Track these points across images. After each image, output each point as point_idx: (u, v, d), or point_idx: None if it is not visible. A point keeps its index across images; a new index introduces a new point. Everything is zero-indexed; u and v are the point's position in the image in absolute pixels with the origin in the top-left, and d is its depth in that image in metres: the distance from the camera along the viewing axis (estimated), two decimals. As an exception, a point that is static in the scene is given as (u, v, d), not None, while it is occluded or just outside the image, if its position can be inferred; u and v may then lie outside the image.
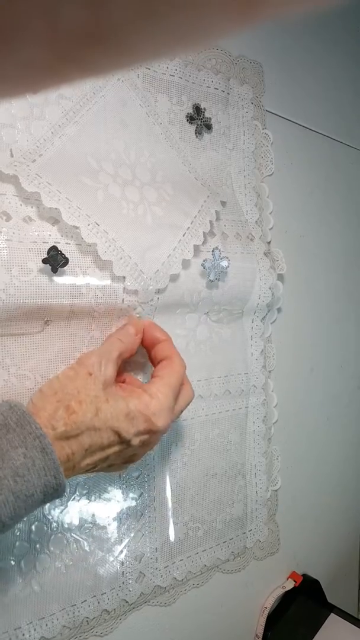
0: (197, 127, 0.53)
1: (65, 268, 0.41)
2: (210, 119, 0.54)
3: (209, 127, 0.54)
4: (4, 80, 0.11)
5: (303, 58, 0.66)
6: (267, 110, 0.60)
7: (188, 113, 0.52)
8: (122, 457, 0.38)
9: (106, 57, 0.11)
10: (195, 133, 0.53)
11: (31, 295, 0.40)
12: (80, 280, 0.42)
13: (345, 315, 0.76)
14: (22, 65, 0.11)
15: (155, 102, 0.50)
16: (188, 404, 0.44)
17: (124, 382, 0.43)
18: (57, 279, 0.41)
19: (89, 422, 0.34)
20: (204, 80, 0.53)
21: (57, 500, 0.43)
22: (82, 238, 0.41)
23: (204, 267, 0.49)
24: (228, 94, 0.56)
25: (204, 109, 0.53)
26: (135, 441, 0.37)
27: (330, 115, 0.71)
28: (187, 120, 0.52)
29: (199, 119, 0.53)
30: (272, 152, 0.60)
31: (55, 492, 0.32)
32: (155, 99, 0.50)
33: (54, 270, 0.40)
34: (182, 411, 0.43)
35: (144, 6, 0.09)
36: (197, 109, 0.53)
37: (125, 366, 0.46)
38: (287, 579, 0.66)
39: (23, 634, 0.41)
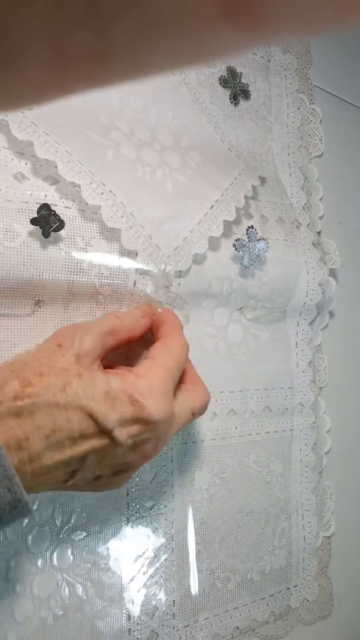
0: (232, 93, 0.45)
1: (61, 234, 0.34)
2: (247, 85, 0.46)
3: (246, 93, 0.46)
4: (10, 95, 0.11)
5: (355, 34, 0.59)
6: (315, 85, 0.53)
7: (221, 76, 0.45)
8: (109, 462, 0.28)
9: (110, 74, 0.11)
10: (230, 99, 0.45)
11: (19, 266, 0.32)
12: (80, 253, 0.35)
13: None
14: (28, 81, 0.11)
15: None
16: (204, 407, 0.34)
17: None
18: (52, 248, 0.33)
19: (50, 397, 0.25)
20: (241, 42, 0.47)
21: (47, 529, 0.34)
22: (84, 199, 0.34)
23: (236, 249, 0.41)
24: (269, 61, 0.49)
25: (240, 73, 0.46)
26: (122, 435, 0.27)
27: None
28: (220, 83, 0.45)
29: (233, 83, 0.45)
30: (321, 130, 0.52)
31: (14, 511, 0.23)
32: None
33: (46, 235, 0.33)
34: (195, 416, 0.33)
35: (148, 27, 0.09)
36: (232, 72, 0.46)
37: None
38: None
39: None
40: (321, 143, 0.52)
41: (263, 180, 0.45)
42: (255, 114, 0.47)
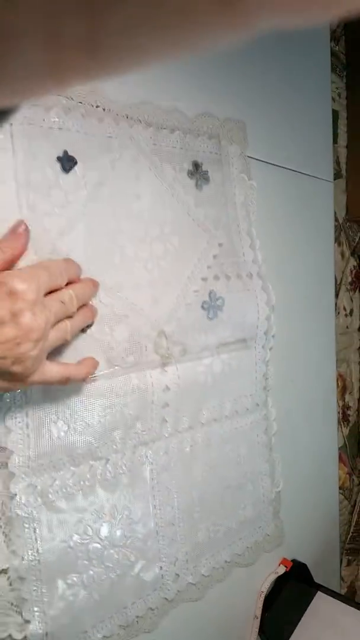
0: (197, 181, 0.61)
1: (92, 328, 0.49)
2: (207, 172, 0.62)
3: (207, 180, 0.62)
4: (4, 87, 0.11)
5: (275, 107, 0.75)
6: (249, 157, 0.69)
7: (189, 170, 0.60)
8: None
9: (103, 65, 0.11)
10: (196, 186, 0.61)
11: (74, 356, 0.47)
12: (108, 336, 0.50)
13: (317, 330, 0.85)
14: (22, 71, 0.11)
15: (161, 166, 0.57)
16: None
17: None
18: (90, 338, 0.49)
19: None
20: (201, 145, 0.61)
21: (105, 523, 0.51)
22: (101, 301, 0.50)
23: (204, 309, 0.58)
24: (221, 155, 0.64)
25: (201, 163, 0.61)
26: None
27: (298, 152, 0.80)
28: (188, 176, 0.60)
29: (197, 174, 0.60)
30: (256, 201, 0.68)
31: None
32: (162, 167, 0.57)
33: (84, 330, 0.48)
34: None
35: (139, 17, 0.09)
36: (196, 165, 0.60)
37: None
38: (279, 565, 0.75)
39: (89, 636, 0.49)
40: (256, 210, 0.69)
41: (222, 247, 0.62)
42: (213, 198, 0.63)
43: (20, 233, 0.42)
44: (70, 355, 0.48)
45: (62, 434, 0.47)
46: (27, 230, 0.43)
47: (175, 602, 0.58)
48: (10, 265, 0.41)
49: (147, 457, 0.55)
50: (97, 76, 0.12)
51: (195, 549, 0.60)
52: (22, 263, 0.43)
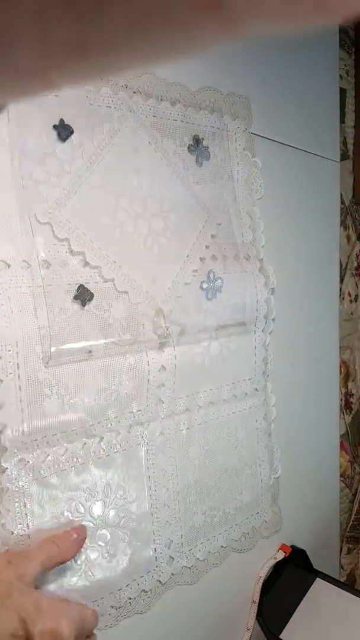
0: (197, 157, 0.59)
1: (91, 303, 0.48)
2: (208, 147, 0.60)
3: (207, 156, 0.60)
4: None
5: (281, 83, 0.73)
6: (253, 134, 0.67)
7: (189, 145, 0.58)
8: None
9: (95, 66, 0.11)
10: (196, 162, 0.59)
11: (73, 330, 0.46)
12: (106, 312, 0.49)
13: (320, 315, 0.83)
14: (12, 71, 0.11)
15: (161, 140, 0.56)
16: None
17: None
18: (89, 313, 0.47)
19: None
20: (202, 120, 0.60)
21: (98, 502, 0.50)
22: (103, 275, 0.48)
23: (202, 289, 0.57)
24: (223, 130, 0.62)
25: (202, 138, 0.59)
26: None
27: (305, 130, 0.78)
28: (189, 151, 0.58)
29: (198, 149, 0.59)
30: (261, 178, 0.67)
31: None
32: (162, 141, 0.56)
33: (83, 305, 0.47)
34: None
35: (132, 20, 0.09)
36: (197, 140, 0.59)
37: None
38: (278, 550, 0.74)
39: (80, 616, 0.48)
40: (261, 188, 0.67)
41: (220, 227, 0.61)
42: (214, 175, 0.61)
43: (75, 539, 0.45)
44: (71, 331, 0.47)
45: (56, 409, 0.46)
46: (82, 539, 0.46)
47: (170, 585, 0.57)
48: (55, 564, 0.43)
49: (142, 437, 0.53)
50: (86, 78, 0.12)
51: (190, 533, 0.59)
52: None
